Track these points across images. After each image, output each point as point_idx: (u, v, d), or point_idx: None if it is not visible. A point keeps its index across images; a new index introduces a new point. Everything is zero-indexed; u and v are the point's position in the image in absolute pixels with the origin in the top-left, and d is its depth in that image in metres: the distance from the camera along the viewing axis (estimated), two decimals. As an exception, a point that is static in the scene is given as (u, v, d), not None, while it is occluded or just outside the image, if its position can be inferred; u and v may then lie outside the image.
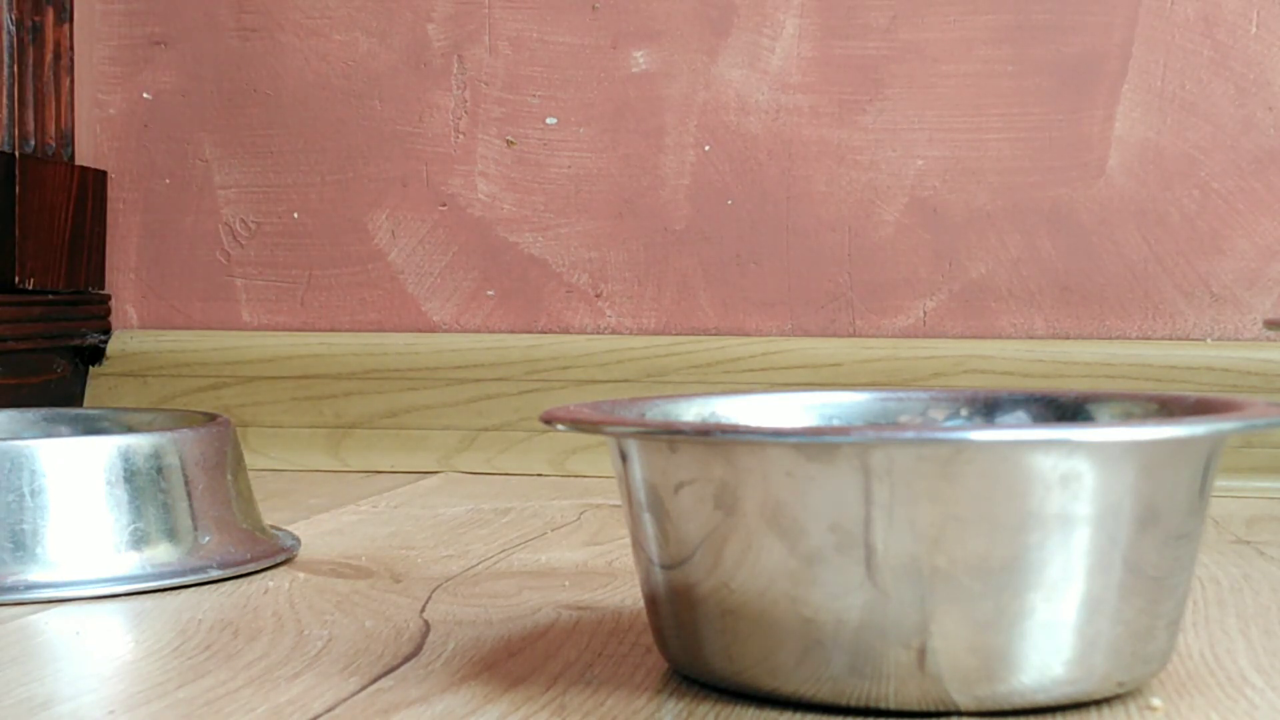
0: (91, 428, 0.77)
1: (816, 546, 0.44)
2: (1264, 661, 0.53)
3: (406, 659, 0.53)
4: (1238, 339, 1.03)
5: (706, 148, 1.07)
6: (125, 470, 0.65)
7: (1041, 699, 0.45)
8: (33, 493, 0.63)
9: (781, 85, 1.07)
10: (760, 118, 1.07)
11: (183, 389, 1.10)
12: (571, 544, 0.77)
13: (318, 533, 0.80)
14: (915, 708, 0.45)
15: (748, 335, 1.07)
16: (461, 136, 1.10)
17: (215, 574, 0.66)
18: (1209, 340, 1.03)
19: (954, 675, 0.44)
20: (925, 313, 1.05)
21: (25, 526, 0.63)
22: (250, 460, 1.09)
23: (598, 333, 1.09)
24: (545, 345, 1.07)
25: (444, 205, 1.10)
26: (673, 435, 0.47)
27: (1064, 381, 1.01)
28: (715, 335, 1.07)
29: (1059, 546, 0.44)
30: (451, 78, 1.10)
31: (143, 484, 0.65)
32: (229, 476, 0.70)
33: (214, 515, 0.68)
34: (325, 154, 1.11)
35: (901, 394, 0.59)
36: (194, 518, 0.67)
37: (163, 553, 0.65)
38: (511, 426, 1.07)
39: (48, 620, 0.59)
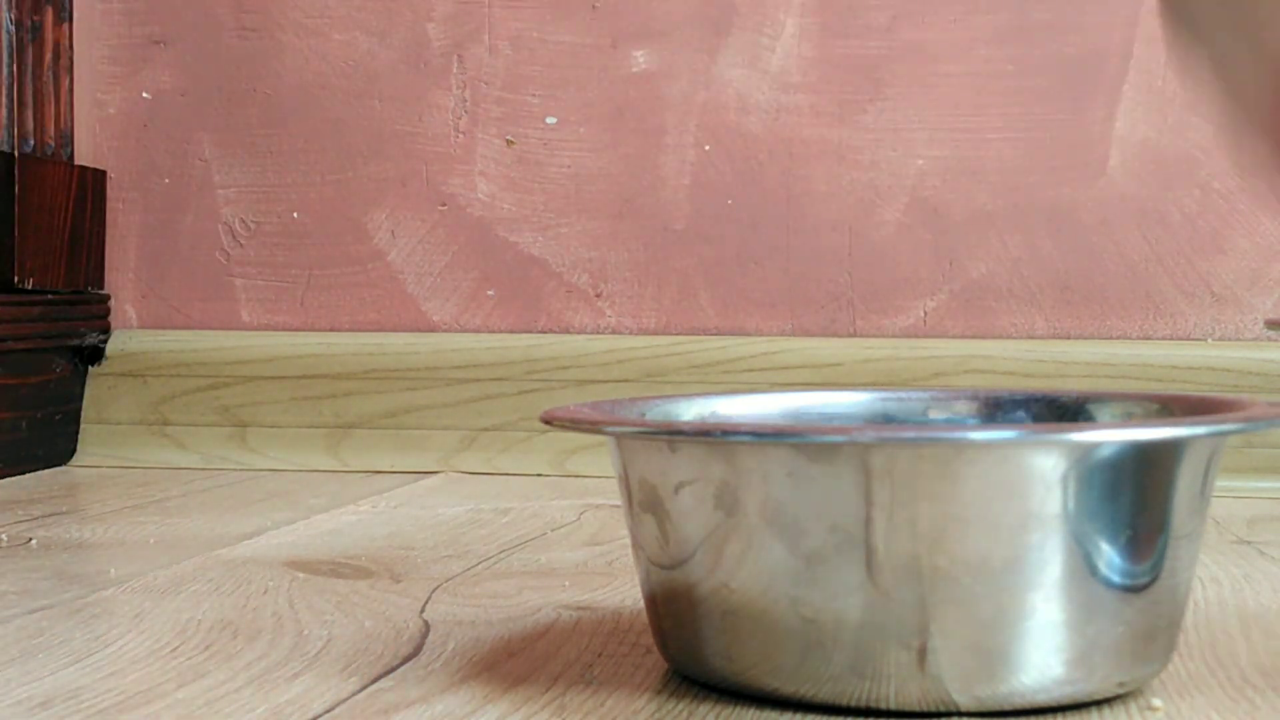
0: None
1: (817, 547, 0.44)
2: (1265, 662, 0.53)
3: (406, 659, 0.53)
4: (1239, 339, 1.03)
5: (707, 147, 1.07)
6: None
7: (1042, 699, 0.45)
8: None
9: (782, 85, 1.07)
10: (760, 117, 1.07)
11: (182, 389, 1.10)
12: (571, 544, 0.77)
13: (318, 533, 0.80)
14: (916, 708, 0.45)
15: (748, 335, 1.07)
16: (461, 136, 1.10)
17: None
18: (1210, 340, 1.03)
19: (954, 675, 0.44)
20: (926, 313, 1.05)
21: None
22: (250, 460, 1.09)
23: (598, 333, 1.09)
24: (545, 345, 1.07)
25: (444, 205, 1.10)
26: (673, 435, 0.47)
27: (1065, 381, 1.01)
28: (715, 335, 1.07)
29: (1059, 546, 0.44)
30: (451, 77, 1.10)
31: None
32: None
33: None
34: (325, 154, 1.11)
35: (902, 394, 0.59)
36: None
37: None
38: (511, 426, 1.07)
39: (47, 620, 0.59)
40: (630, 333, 1.08)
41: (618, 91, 1.08)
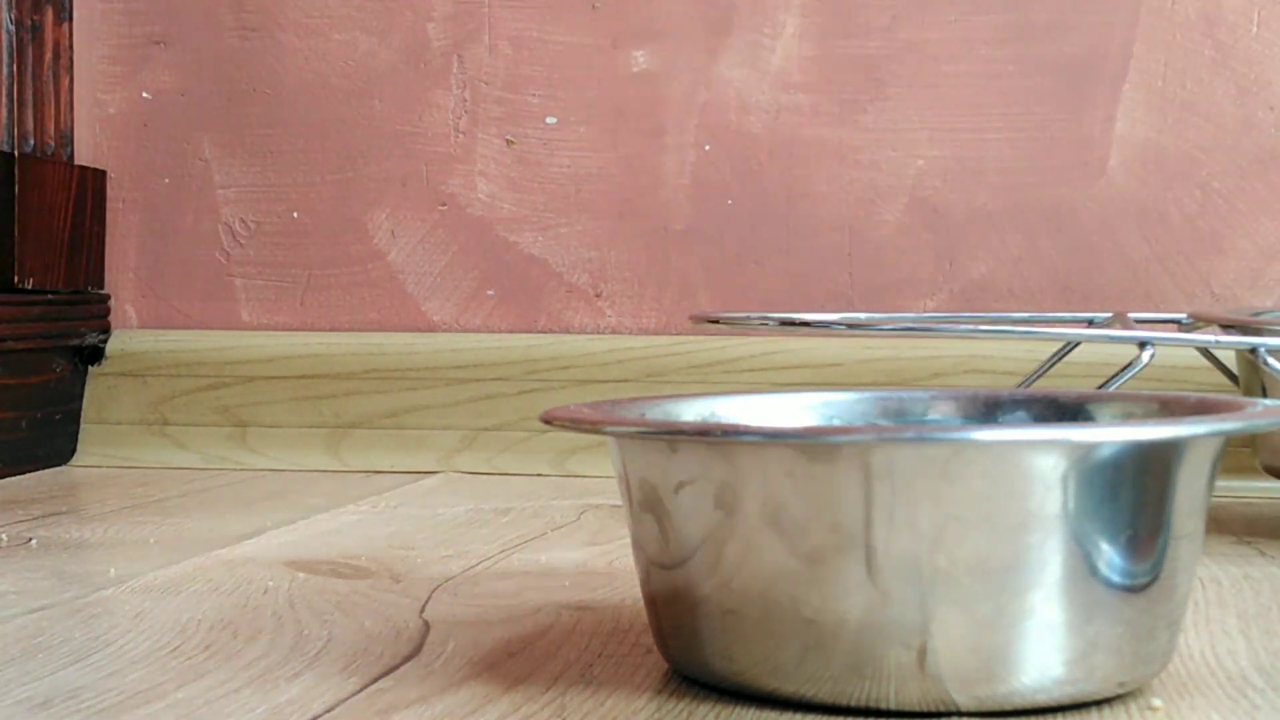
0: None
1: (817, 547, 0.44)
2: (1265, 662, 0.53)
3: (406, 659, 0.53)
4: (1238, 339, 1.02)
5: (707, 147, 1.07)
6: None
7: (1042, 699, 0.45)
8: None
9: (782, 85, 1.07)
10: (761, 117, 1.07)
11: (182, 389, 1.10)
12: (571, 544, 0.77)
13: (318, 533, 0.80)
14: (915, 708, 0.45)
15: (748, 335, 1.07)
16: (461, 136, 1.10)
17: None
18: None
19: (954, 676, 0.44)
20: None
21: None
22: (250, 460, 1.09)
23: (598, 333, 1.09)
24: (545, 345, 1.07)
25: (444, 205, 1.10)
26: (673, 435, 0.47)
27: (1065, 381, 1.01)
28: (715, 335, 1.07)
29: (1059, 546, 0.44)
30: (451, 77, 1.10)
31: None
32: None
33: None
34: (325, 154, 1.11)
35: (902, 394, 0.59)
36: None
37: None
38: (511, 426, 1.07)
39: (47, 620, 0.59)
40: (630, 333, 1.08)
41: (618, 91, 1.08)
